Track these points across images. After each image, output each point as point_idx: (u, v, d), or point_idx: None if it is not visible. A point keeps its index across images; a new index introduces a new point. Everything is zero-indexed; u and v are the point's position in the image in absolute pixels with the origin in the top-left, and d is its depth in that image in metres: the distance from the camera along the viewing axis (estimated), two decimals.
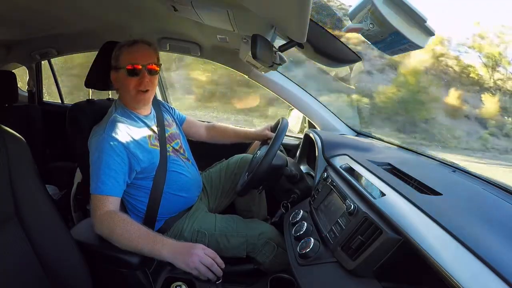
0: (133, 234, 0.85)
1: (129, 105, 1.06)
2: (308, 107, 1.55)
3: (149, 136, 1.05)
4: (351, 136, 1.50)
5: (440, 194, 0.73)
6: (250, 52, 0.85)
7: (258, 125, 1.74)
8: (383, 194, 0.74)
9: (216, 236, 1.08)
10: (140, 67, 0.99)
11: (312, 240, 0.79)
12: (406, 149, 1.31)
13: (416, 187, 0.81)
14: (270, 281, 0.94)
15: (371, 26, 0.62)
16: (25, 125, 1.85)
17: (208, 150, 1.46)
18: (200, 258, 0.83)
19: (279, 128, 1.10)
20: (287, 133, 1.14)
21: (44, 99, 2.22)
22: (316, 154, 1.18)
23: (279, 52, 0.98)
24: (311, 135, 1.33)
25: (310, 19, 0.66)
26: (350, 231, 0.69)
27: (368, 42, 0.69)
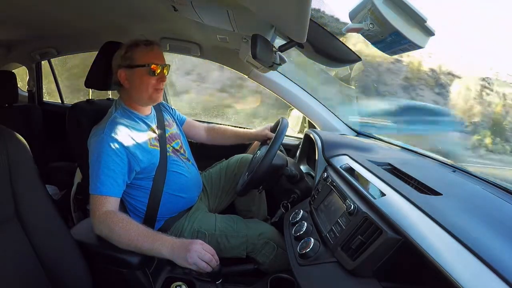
0: (132, 233, 0.85)
1: (131, 104, 1.06)
2: (308, 107, 1.55)
3: (149, 136, 1.05)
4: (351, 136, 1.50)
5: (440, 194, 0.73)
6: (250, 52, 0.85)
7: None
8: (383, 194, 0.74)
9: (216, 236, 1.08)
10: (161, 67, 1.02)
11: (312, 240, 0.79)
12: (406, 149, 1.31)
13: (416, 187, 0.81)
14: (270, 281, 0.94)
15: (371, 26, 0.62)
16: (25, 125, 1.86)
17: (208, 150, 1.46)
18: (199, 253, 0.82)
19: (279, 128, 1.10)
20: (287, 133, 1.14)
21: (44, 99, 2.22)
22: (316, 154, 1.18)
23: (279, 52, 0.98)
24: (311, 135, 1.33)
25: (310, 19, 0.66)
26: (350, 231, 0.69)
27: (368, 42, 0.69)
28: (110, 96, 1.37)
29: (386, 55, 0.70)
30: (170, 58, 2.16)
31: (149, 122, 1.09)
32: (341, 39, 0.89)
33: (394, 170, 0.95)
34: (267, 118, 2.87)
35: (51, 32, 1.63)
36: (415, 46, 0.63)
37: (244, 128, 1.55)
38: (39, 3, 1.16)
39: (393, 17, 0.59)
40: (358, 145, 1.22)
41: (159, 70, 1.02)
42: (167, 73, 1.06)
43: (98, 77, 1.12)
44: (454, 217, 0.60)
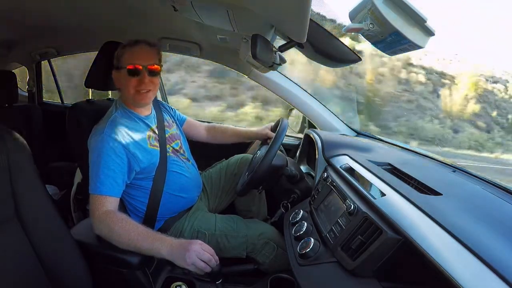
0: (132, 233, 0.85)
1: (129, 105, 1.06)
2: (308, 107, 1.55)
3: (149, 136, 1.05)
4: (351, 136, 1.50)
5: (440, 194, 0.73)
6: (250, 52, 0.85)
7: None
8: (383, 194, 0.74)
9: (216, 236, 1.08)
10: (141, 67, 0.99)
11: (312, 240, 0.79)
12: (406, 149, 1.31)
13: (416, 187, 0.81)
14: (270, 281, 0.94)
15: (371, 26, 0.62)
16: (25, 125, 1.86)
17: (208, 150, 1.46)
18: (198, 253, 0.82)
19: (279, 128, 1.10)
20: (287, 133, 1.14)
21: (44, 99, 2.22)
22: (316, 154, 1.18)
23: (279, 52, 0.97)
24: (311, 135, 1.33)
25: (310, 19, 0.66)
26: (350, 231, 0.69)
27: (368, 42, 0.69)
28: (110, 96, 1.38)
29: None
30: None
31: (148, 123, 1.09)
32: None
33: (394, 170, 0.95)
34: None
35: (51, 32, 1.63)
36: (415, 46, 0.63)
37: (244, 127, 1.55)
38: (39, 3, 1.17)
39: (393, 17, 0.59)
40: (358, 145, 1.22)
41: (138, 71, 0.98)
42: (158, 74, 1.03)
43: (98, 77, 1.12)
44: (454, 217, 0.60)
